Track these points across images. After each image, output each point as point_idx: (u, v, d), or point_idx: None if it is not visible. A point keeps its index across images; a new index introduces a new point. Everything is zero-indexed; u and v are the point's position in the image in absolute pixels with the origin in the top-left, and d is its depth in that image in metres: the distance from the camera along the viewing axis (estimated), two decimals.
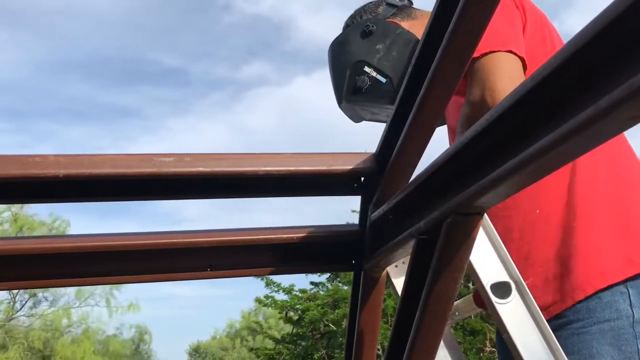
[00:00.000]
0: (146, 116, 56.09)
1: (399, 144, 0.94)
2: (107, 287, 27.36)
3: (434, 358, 0.88)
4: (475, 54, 1.14)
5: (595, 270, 1.12)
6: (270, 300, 9.42)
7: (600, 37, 0.47)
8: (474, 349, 8.14)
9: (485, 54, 1.13)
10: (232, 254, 1.08)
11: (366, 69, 1.31)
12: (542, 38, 1.24)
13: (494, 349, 7.70)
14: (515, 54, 1.14)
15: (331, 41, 1.41)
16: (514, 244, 1.19)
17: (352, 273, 1.15)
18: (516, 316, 0.84)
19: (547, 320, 0.89)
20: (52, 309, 27.36)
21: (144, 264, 1.05)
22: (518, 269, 0.86)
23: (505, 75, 1.11)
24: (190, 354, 37.61)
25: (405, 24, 1.37)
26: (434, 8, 0.80)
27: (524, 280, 0.84)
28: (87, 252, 0.95)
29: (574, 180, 1.19)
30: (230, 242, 1.06)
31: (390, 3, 1.42)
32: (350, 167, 1.04)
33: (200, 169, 0.87)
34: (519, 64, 1.14)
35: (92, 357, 27.71)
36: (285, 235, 1.08)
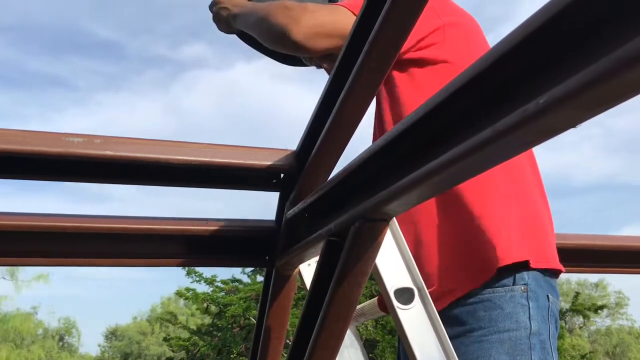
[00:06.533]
0: (77, 87, 54.05)
1: (318, 143, 0.94)
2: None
3: (335, 358, 0.89)
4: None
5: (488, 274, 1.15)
6: (191, 293, 9.22)
7: (503, 60, 0.48)
8: (392, 348, 8.29)
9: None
10: (142, 242, 1.05)
11: None
12: (477, 48, 1.26)
13: None
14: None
15: None
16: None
17: None
18: (417, 323, 0.86)
19: (445, 317, 0.90)
20: None
21: (47, 246, 1.01)
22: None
23: (323, 18, 1.18)
24: (106, 337, 36.68)
25: None
26: (358, 14, 0.80)
27: (427, 289, 0.86)
28: None
29: (484, 198, 1.19)
30: (140, 230, 1.03)
31: None
32: (269, 162, 1.03)
33: (108, 152, 0.84)
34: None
35: None
36: (198, 227, 1.06)
